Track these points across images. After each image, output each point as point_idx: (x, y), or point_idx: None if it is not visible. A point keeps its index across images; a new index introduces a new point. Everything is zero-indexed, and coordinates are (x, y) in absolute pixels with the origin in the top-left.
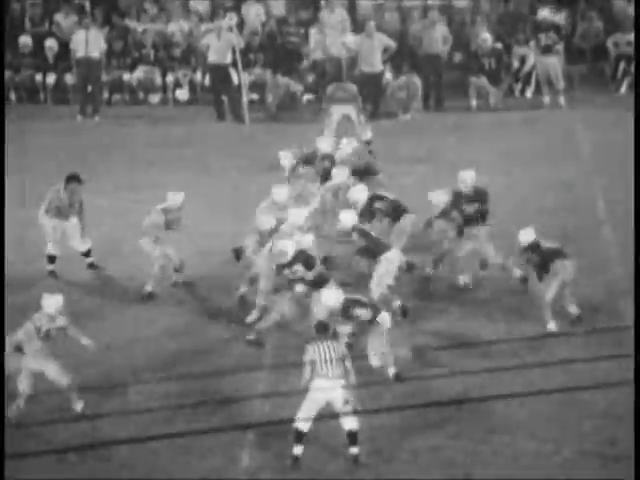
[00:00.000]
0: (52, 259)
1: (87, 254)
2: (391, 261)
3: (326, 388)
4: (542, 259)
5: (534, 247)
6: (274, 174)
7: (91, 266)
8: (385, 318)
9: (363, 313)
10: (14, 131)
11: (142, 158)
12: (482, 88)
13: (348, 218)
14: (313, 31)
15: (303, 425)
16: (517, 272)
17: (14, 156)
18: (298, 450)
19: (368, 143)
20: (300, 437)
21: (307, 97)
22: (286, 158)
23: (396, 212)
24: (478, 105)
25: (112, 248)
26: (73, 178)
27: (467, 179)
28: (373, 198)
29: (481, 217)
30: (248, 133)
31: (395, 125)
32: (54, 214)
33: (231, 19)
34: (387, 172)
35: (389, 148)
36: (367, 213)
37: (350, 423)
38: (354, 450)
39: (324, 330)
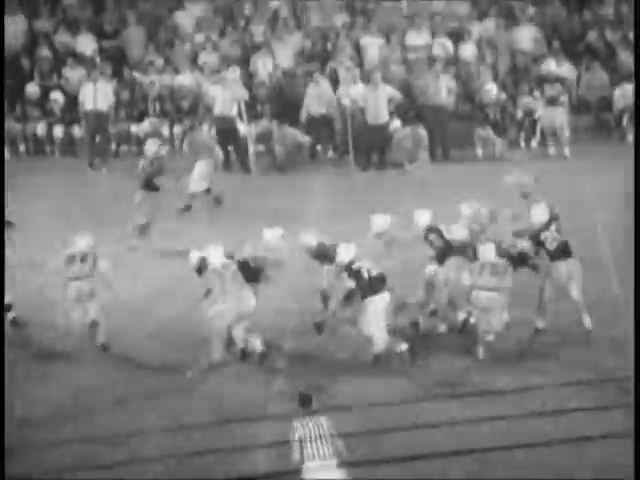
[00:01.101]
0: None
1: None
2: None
3: (320, 469)
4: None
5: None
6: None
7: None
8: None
9: None
10: (23, 184)
11: None
12: (487, 138)
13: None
14: (321, 81)
15: None
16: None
17: (23, 208)
18: None
19: (219, 202)
20: None
21: (316, 147)
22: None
23: (446, 250)
24: (484, 155)
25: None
26: None
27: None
28: (430, 229)
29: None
30: (254, 184)
31: (401, 175)
32: None
33: (234, 71)
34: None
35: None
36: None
37: None
38: None
39: (309, 403)
